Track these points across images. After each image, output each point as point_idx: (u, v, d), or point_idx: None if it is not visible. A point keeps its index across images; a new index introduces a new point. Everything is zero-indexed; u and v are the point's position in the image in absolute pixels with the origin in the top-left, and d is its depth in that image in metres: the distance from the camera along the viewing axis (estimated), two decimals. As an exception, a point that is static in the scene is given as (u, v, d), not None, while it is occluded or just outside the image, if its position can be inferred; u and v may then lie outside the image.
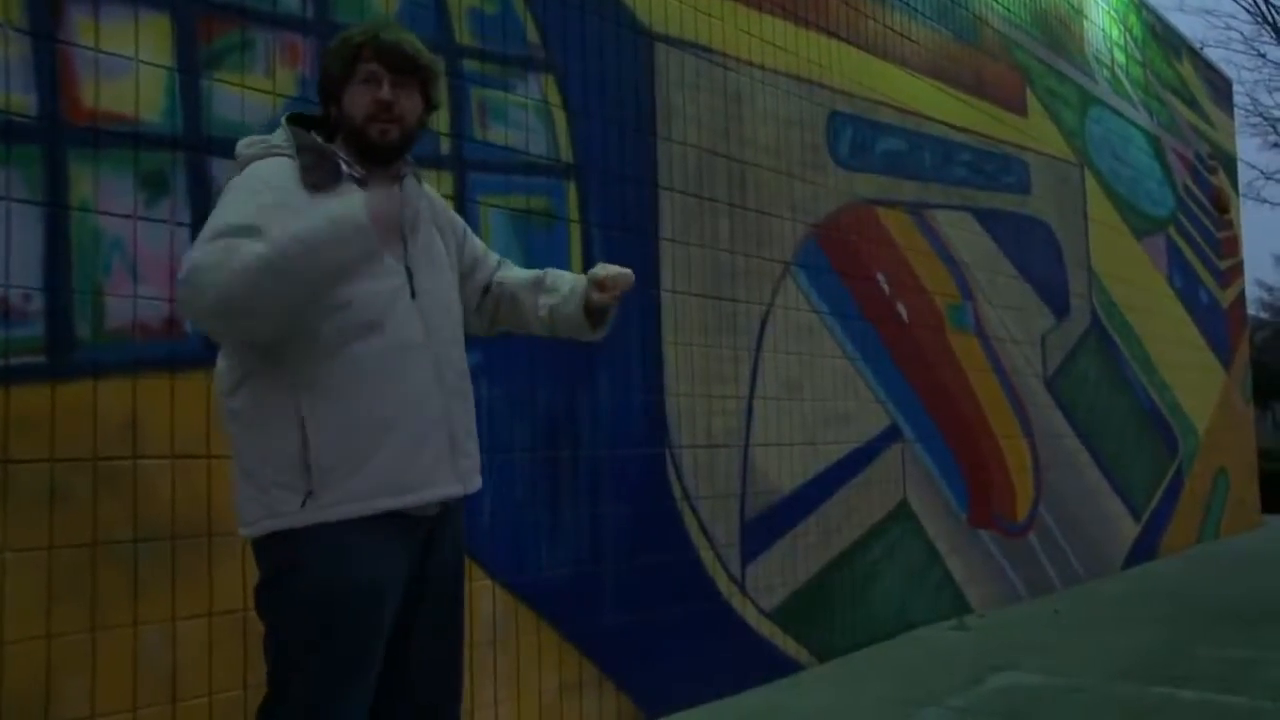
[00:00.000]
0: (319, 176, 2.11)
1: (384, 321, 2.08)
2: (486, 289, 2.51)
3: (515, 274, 2.54)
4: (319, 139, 2.19)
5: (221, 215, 2.02)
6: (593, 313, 2.41)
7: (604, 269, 2.37)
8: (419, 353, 2.12)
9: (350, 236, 1.94)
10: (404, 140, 2.21)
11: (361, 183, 2.15)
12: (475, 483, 2.26)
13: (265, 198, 2.03)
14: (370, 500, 2.03)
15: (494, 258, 2.57)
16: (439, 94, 2.32)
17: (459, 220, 2.49)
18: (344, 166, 2.16)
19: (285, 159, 2.14)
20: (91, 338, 2.74)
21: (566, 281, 2.47)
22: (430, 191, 2.41)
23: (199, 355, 2.90)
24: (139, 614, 2.76)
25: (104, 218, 2.79)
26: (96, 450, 2.72)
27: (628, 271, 2.37)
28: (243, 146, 2.20)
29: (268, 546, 2.09)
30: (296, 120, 2.23)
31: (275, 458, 2.02)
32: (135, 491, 2.77)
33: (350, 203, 1.98)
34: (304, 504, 2.01)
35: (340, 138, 2.20)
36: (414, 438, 2.08)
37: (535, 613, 3.82)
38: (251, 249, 1.90)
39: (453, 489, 2.17)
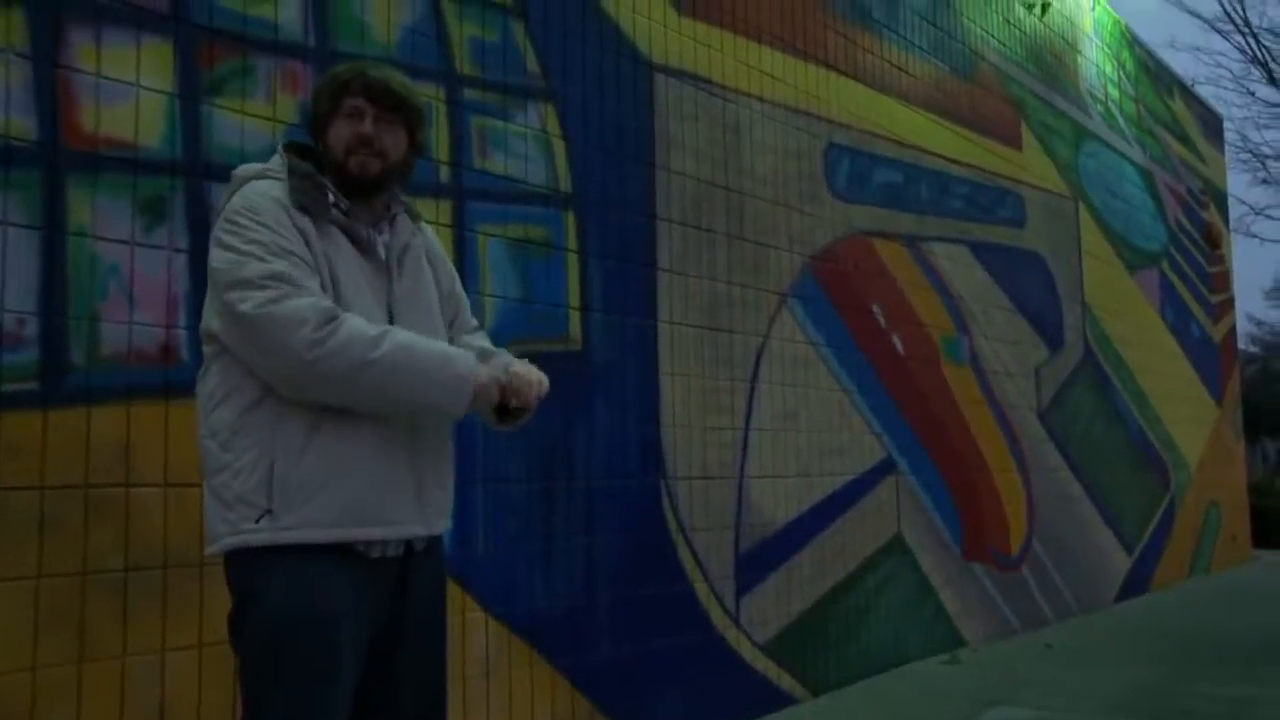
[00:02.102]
0: (308, 198, 2.12)
1: None
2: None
3: (470, 341, 2.41)
4: (311, 168, 2.20)
5: (251, 246, 2.03)
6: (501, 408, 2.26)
7: (516, 374, 2.18)
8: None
9: (455, 386, 2.06)
10: (384, 175, 2.20)
11: (346, 214, 2.16)
12: (439, 525, 2.23)
13: (279, 238, 2.04)
14: (327, 528, 2.03)
15: (473, 321, 2.48)
16: (425, 135, 2.32)
17: (452, 269, 2.46)
18: (330, 196, 2.16)
19: (275, 181, 2.15)
20: (86, 363, 2.72)
21: (501, 357, 2.33)
22: (428, 232, 2.40)
23: (194, 382, 2.86)
24: (128, 645, 2.72)
25: (101, 243, 2.77)
26: (88, 477, 2.69)
27: (538, 380, 2.21)
28: (239, 170, 2.22)
29: (232, 568, 2.09)
30: (293, 149, 2.23)
31: (243, 476, 2.03)
32: (127, 520, 2.74)
33: (471, 363, 2.10)
34: (259, 520, 2.01)
35: (327, 172, 2.20)
36: (379, 474, 2.07)
37: (528, 645, 3.79)
38: (361, 329, 1.99)
39: (413, 529, 2.13)
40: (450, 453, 2.28)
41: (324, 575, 2.03)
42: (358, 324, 2.01)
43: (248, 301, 1.99)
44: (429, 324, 2.24)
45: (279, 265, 2.01)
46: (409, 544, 2.16)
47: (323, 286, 2.06)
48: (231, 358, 2.07)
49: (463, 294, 2.48)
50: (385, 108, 2.18)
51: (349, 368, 1.98)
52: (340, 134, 2.18)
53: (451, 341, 2.36)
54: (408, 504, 2.12)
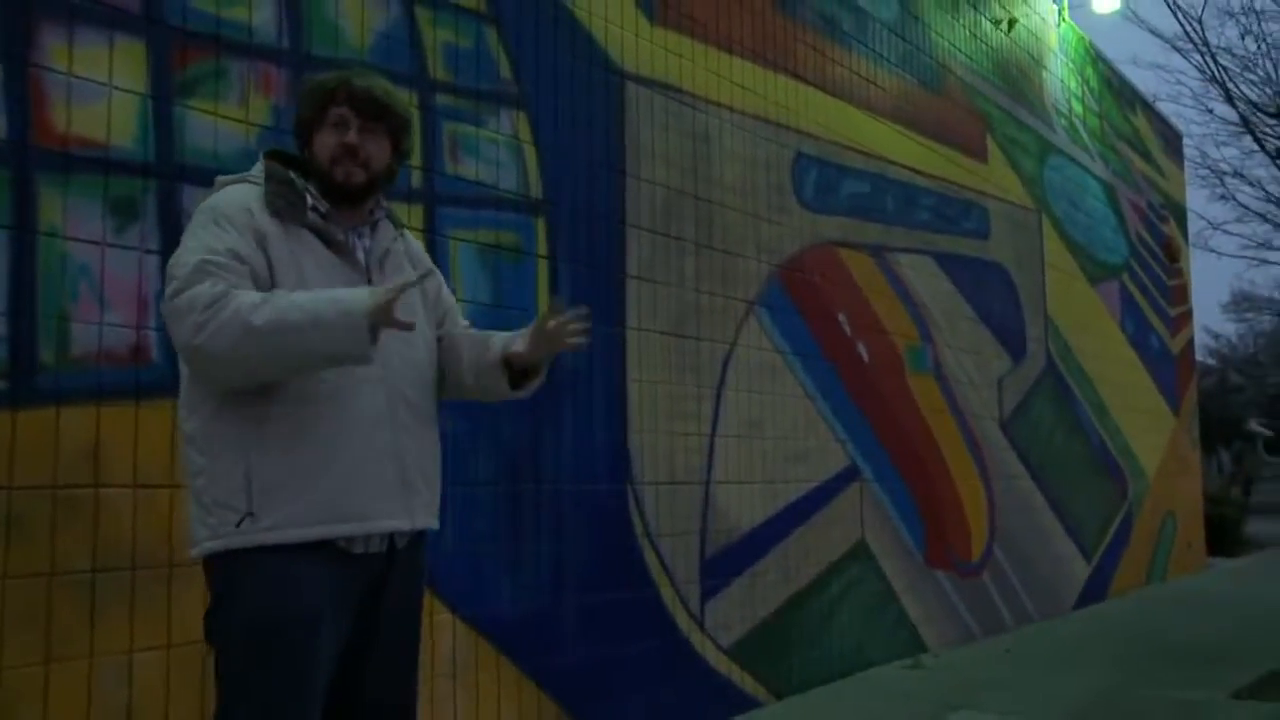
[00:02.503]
0: (283, 204, 2.15)
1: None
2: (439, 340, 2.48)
3: (465, 330, 2.51)
4: (291, 174, 2.22)
5: (196, 243, 2.07)
6: (513, 369, 2.37)
7: (544, 323, 2.30)
8: (371, 388, 2.14)
9: (346, 322, 1.97)
10: (369, 183, 2.25)
11: (325, 218, 2.19)
12: (424, 520, 2.25)
13: (227, 238, 2.07)
14: (308, 527, 2.05)
15: (463, 323, 2.54)
16: (409, 142, 2.36)
17: (437, 271, 2.51)
18: (310, 200, 2.18)
19: (252, 186, 2.20)
20: (55, 364, 2.72)
21: (500, 338, 2.43)
22: (409, 238, 2.44)
23: (164, 383, 2.88)
24: (95, 646, 2.72)
25: (72, 243, 2.77)
26: (56, 478, 2.68)
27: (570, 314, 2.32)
28: (219, 179, 2.26)
29: (212, 569, 2.12)
30: (275, 156, 2.26)
31: (221, 479, 2.06)
32: (96, 520, 2.74)
33: (360, 294, 2.01)
34: (240, 524, 2.04)
35: (311, 179, 2.24)
36: (357, 469, 2.10)
37: (495, 647, 3.80)
38: (247, 301, 1.96)
39: (397, 523, 2.16)
40: (435, 450, 2.31)
41: (305, 574, 2.06)
42: (244, 298, 1.98)
43: (164, 301, 2.05)
44: (409, 314, 2.23)
45: (207, 261, 2.02)
46: (392, 539, 2.18)
47: (276, 287, 2.07)
48: None
49: (451, 298, 2.53)
50: (369, 117, 2.22)
51: (233, 341, 1.96)
52: (325, 143, 2.22)
53: (442, 339, 2.44)
54: (390, 498, 2.15)
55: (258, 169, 2.23)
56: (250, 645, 2.04)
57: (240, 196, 2.16)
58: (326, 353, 2.02)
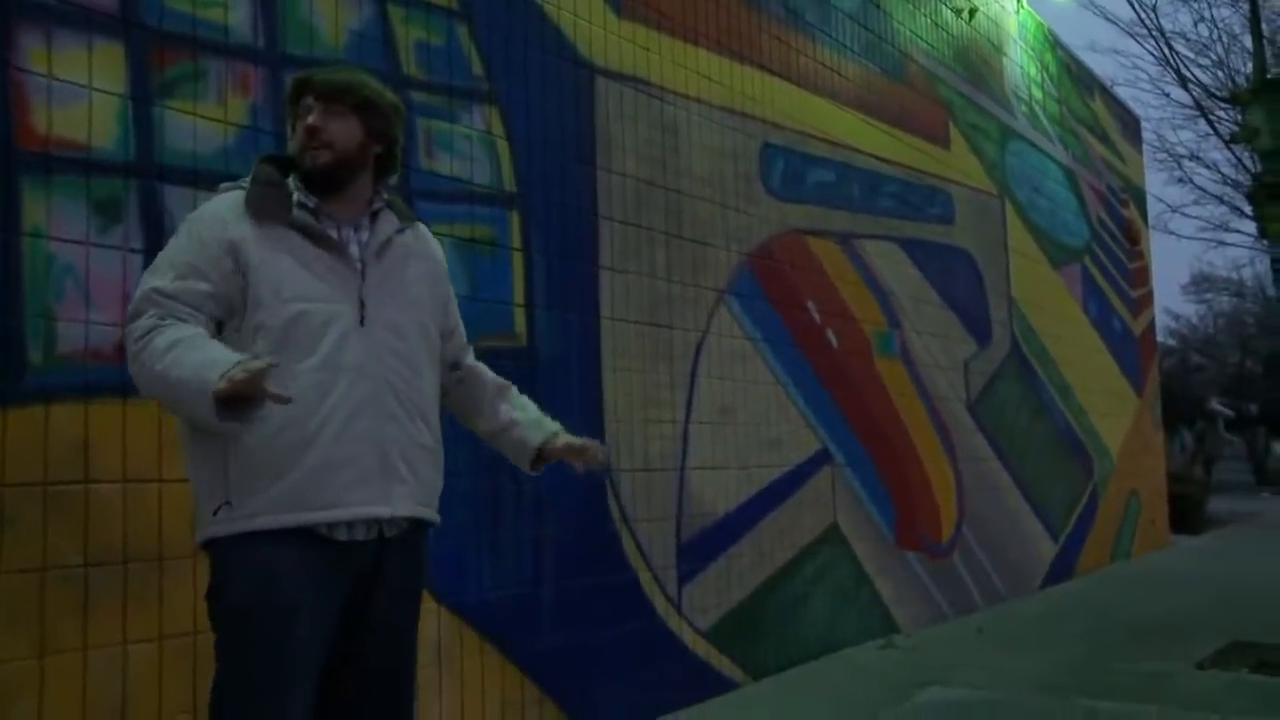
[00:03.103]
0: (260, 206, 2.22)
1: (318, 345, 2.17)
2: (455, 366, 2.59)
3: (484, 370, 2.65)
4: (278, 175, 2.29)
5: (164, 257, 2.24)
6: (540, 458, 2.56)
7: (583, 444, 2.53)
8: (354, 376, 2.19)
9: (194, 400, 2.01)
10: (337, 164, 2.28)
11: (314, 213, 2.25)
12: (406, 508, 2.26)
13: (192, 253, 2.19)
14: (283, 514, 2.12)
15: (464, 336, 2.64)
16: (384, 124, 2.35)
17: (448, 282, 2.57)
18: (296, 195, 2.24)
19: (240, 191, 2.27)
20: (43, 362, 2.75)
21: (533, 410, 2.61)
22: (423, 231, 2.49)
23: (150, 380, 2.93)
24: (89, 639, 2.76)
25: (56, 243, 2.80)
26: (47, 475, 2.72)
27: (601, 450, 2.55)
28: (220, 186, 2.35)
29: (209, 557, 2.20)
30: (272, 160, 2.34)
31: (204, 470, 2.16)
32: (87, 516, 2.78)
33: (217, 363, 2.01)
34: (217, 512, 2.13)
35: (297, 174, 2.31)
36: (334, 456, 2.15)
37: (478, 633, 3.87)
38: (163, 343, 2.08)
39: (375, 510, 2.19)
40: (429, 442, 2.35)
41: (286, 564, 2.12)
42: (161, 339, 2.08)
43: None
44: (410, 315, 2.33)
45: (167, 283, 2.16)
46: (380, 529, 2.23)
47: (245, 293, 2.17)
48: None
49: (456, 315, 2.60)
50: (330, 99, 2.27)
51: (143, 378, 2.14)
52: (296, 134, 2.30)
53: (461, 366, 2.58)
54: (367, 486, 2.18)
55: (252, 172, 2.31)
56: (234, 633, 2.14)
57: (222, 205, 2.25)
58: (187, 416, 2.14)
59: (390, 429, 2.23)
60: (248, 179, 2.29)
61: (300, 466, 2.13)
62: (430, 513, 2.37)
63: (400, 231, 2.38)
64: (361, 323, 2.22)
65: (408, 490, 2.27)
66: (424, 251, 2.46)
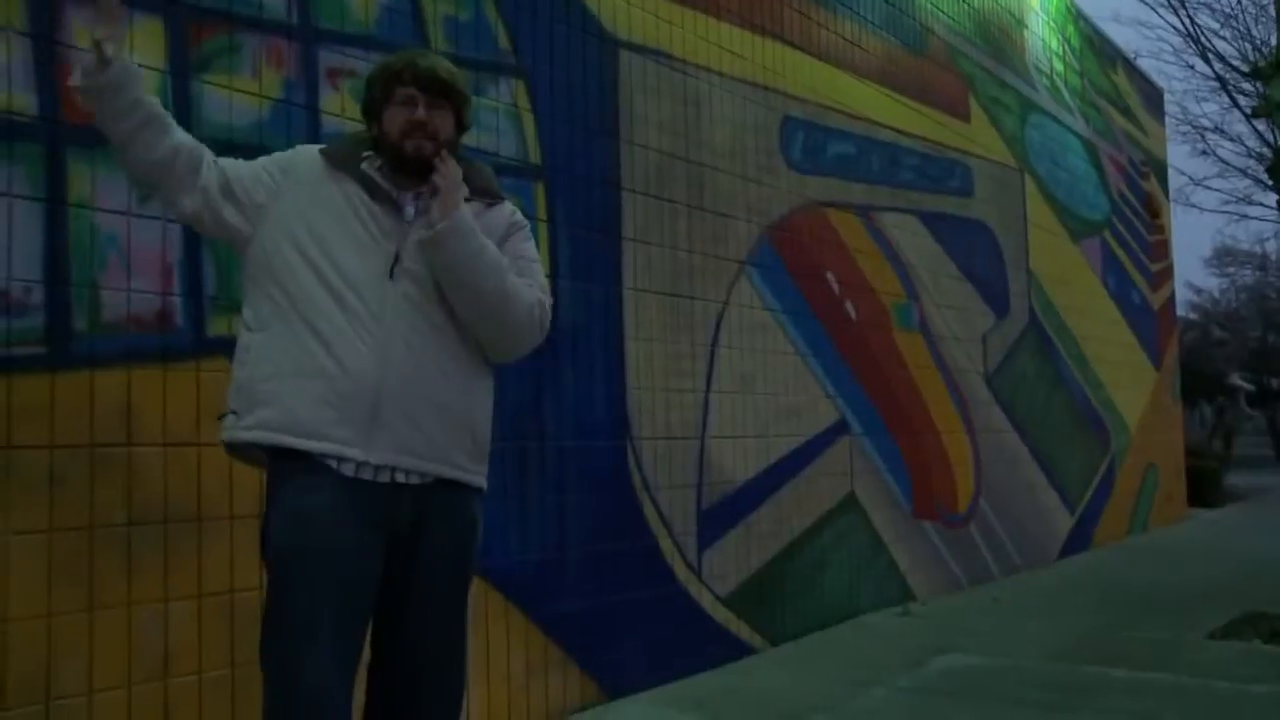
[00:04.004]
0: (334, 152, 2.45)
1: (338, 286, 2.29)
2: None
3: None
4: (366, 137, 2.49)
5: None
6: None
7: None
8: (371, 324, 2.27)
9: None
10: (436, 154, 2.41)
11: (380, 172, 2.40)
12: (382, 456, 2.26)
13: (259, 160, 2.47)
14: (270, 432, 2.26)
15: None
16: (470, 116, 2.54)
17: (518, 249, 2.54)
18: (365, 156, 2.41)
19: (319, 146, 2.52)
20: (89, 329, 2.86)
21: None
22: (500, 211, 2.54)
23: (189, 347, 3.04)
24: (133, 595, 2.88)
25: (100, 214, 2.90)
26: (93, 437, 2.83)
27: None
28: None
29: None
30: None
31: (232, 381, 2.35)
32: (130, 477, 2.89)
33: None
34: (223, 418, 2.33)
35: (382, 153, 2.42)
36: (326, 391, 2.25)
37: (504, 597, 3.98)
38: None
39: (351, 451, 2.24)
40: (451, 399, 2.36)
41: (322, 510, 2.23)
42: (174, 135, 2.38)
43: None
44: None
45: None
46: (393, 475, 2.29)
47: (280, 199, 2.39)
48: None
49: (524, 275, 2.52)
50: (435, 94, 2.41)
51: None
52: (395, 119, 2.41)
53: None
54: (348, 426, 2.24)
55: None
56: (273, 575, 2.28)
57: (305, 147, 2.55)
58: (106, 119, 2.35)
59: (391, 377, 2.27)
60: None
61: (294, 394, 2.25)
62: (438, 468, 2.34)
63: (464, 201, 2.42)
64: (391, 275, 2.32)
65: (393, 439, 2.27)
66: (487, 226, 2.45)
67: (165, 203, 2.50)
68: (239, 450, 2.38)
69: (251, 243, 2.38)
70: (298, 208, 2.36)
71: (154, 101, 2.36)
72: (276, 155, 2.50)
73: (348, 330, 2.26)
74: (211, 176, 2.37)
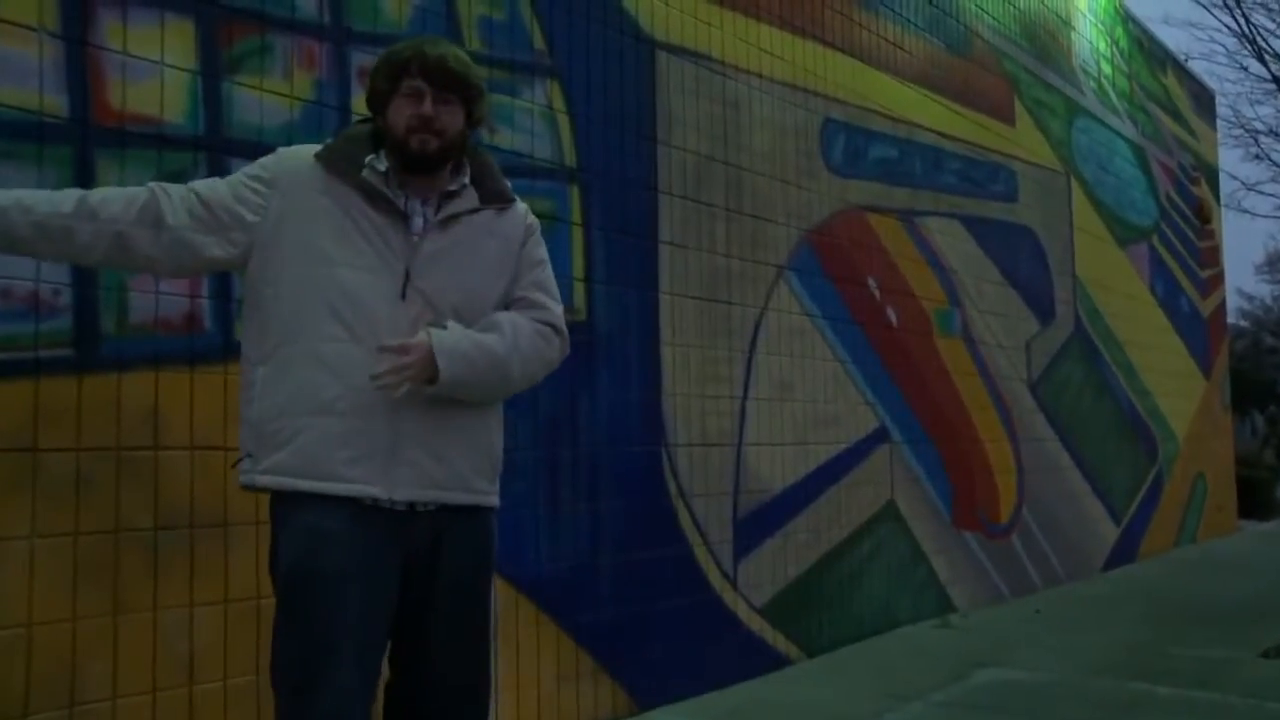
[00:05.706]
0: (331, 159, 2.27)
1: (347, 312, 2.17)
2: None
3: (516, 316, 2.40)
4: (365, 135, 2.33)
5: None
6: None
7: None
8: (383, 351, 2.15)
9: None
10: (442, 152, 2.28)
11: (385, 178, 2.26)
12: (407, 493, 2.19)
13: (233, 177, 2.34)
14: (287, 477, 2.17)
15: (539, 303, 2.42)
16: (483, 110, 2.39)
17: (522, 257, 2.42)
18: (370, 158, 2.27)
19: (311, 149, 2.34)
20: (116, 332, 2.84)
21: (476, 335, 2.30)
22: (514, 214, 2.42)
23: (216, 350, 3.01)
24: (159, 599, 2.85)
25: (129, 216, 2.87)
26: (120, 440, 2.81)
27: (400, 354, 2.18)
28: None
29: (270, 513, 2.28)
30: (368, 122, 2.40)
31: (244, 418, 2.25)
32: (156, 481, 2.87)
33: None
34: (239, 463, 2.24)
35: (388, 151, 2.29)
36: (342, 429, 2.14)
37: (535, 605, 3.93)
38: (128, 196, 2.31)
39: (373, 490, 2.15)
40: (470, 420, 2.28)
41: (335, 533, 2.15)
42: (128, 197, 2.26)
43: None
44: (458, 294, 2.27)
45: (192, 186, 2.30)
46: (412, 504, 2.21)
47: (263, 222, 2.25)
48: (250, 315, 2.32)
49: (541, 283, 2.45)
50: (443, 88, 2.26)
51: None
52: (400, 113, 2.26)
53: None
54: (370, 463, 2.15)
55: None
56: (282, 600, 2.20)
57: (303, 149, 2.35)
58: None
59: (412, 414, 2.18)
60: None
61: (308, 434, 2.14)
62: (459, 496, 2.26)
63: (476, 210, 2.33)
64: (403, 296, 2.21)
65: (415, 475, 2.19)
66: (503, 230, 2.38)
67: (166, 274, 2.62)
68: (276, 502, 2.25)
69: (247, 267, 2.27)
70: (293, 224, 2.22)
71: (38, 205, 2.14)
72: (256, 165, 2.31)
73: (358, 360, 2.15)
74: (181, 215, 2.21)
